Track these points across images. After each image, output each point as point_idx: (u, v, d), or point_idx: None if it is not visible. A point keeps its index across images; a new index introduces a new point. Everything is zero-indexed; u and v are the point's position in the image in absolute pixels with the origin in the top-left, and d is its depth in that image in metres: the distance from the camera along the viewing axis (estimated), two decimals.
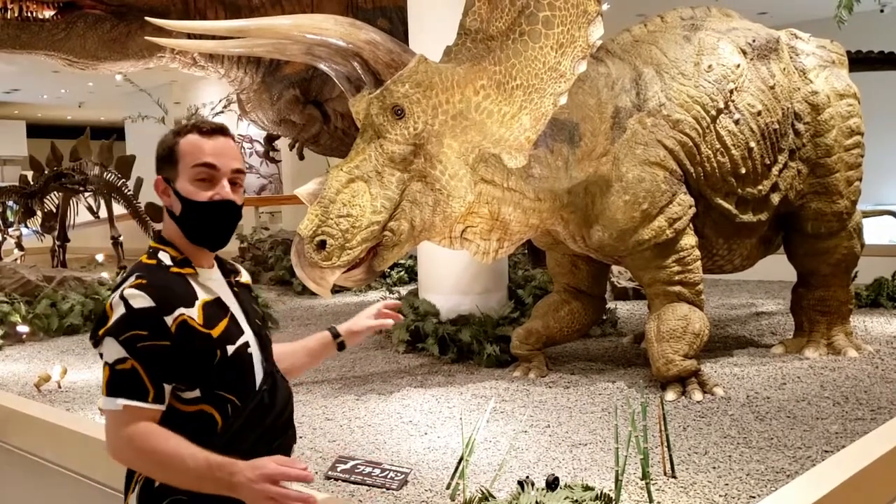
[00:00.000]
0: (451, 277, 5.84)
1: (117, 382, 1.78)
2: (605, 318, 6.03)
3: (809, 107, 4.84)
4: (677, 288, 4.42)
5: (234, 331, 1.90)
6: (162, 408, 1.80)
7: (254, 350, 1.93)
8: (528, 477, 2.87)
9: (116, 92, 18.82)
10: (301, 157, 10.22)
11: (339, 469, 3.31)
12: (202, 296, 1.89)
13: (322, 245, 3.68)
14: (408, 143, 3.80)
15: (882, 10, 8.80)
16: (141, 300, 1.79)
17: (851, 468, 3.05)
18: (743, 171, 4.56)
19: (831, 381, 4.44)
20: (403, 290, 7.11)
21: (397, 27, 7.99)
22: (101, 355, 1.83)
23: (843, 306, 5.18)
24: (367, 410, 4.27)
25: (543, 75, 3.84)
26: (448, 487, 3.12)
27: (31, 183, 11.51)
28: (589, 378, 4.73)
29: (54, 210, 11.65)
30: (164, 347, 1.78)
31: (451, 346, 5.33)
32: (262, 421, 1.87)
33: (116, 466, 1.87)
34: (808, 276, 5.20)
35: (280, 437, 1.92)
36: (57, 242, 11.69)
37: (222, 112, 12.91)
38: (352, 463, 3.35)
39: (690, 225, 4.45)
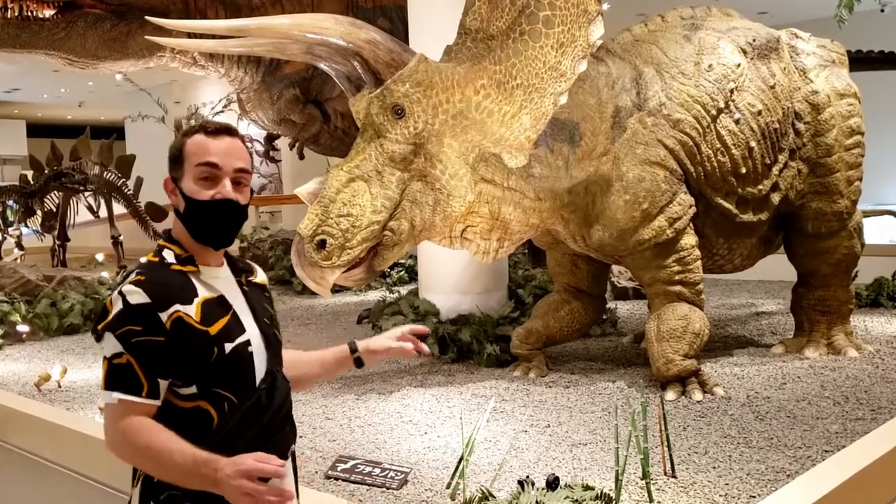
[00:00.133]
0: (451, 277, 5.84)
1: (113, 376, 1.81)
2: (605, 317, 6.03)
3: (810, 106, 4.84)
4: (677, 287, 4.42)
5: (233, 329, 1.91)
6: (156, 403, 1.82)
7: (255, 349, 1.94)
8: (528, 476, 2.87)
9: (116, 91, 18.82)
10: (301, 157, 10.21)
11: (339, 468, 3.31)
12: (203, 293, 1.90)
13: (322, 244, 3.68)
14: (408, 142, 3.80)
15: (882, 10, 8.79)
16: (137, 296, 1.81)
17: (852, 468, 3.05)
18: (743, 170, 4.56)
19: (831, 381, 4.44)
20: (403, 290, 7.11)
21: (397, 26, 7.98)
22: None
23: (844, 306, 5.18)
24: (368, 410, 4.27)
25: (544, 75, 3.84)
26: (448, 487, 3.12)
27: (32, 182, 11.52)
28: (589, 378, 4.73)
29: (54, 209, 11.66)
30: (158, 343, 1.80)
31: (452, 346, 5.33)
32: (258, 420, 1.88)
33: (116, 466, 1.87)
34: (809, 276, 5.20)
35: (276, 435, 1.92)
36: (57, 242, 11.70)
37: (222, 111, 12.91)
38: (352, 462, 3.35)
39: (691, 224, 4.45)
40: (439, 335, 5.39)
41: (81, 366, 5.69)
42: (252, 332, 1.95)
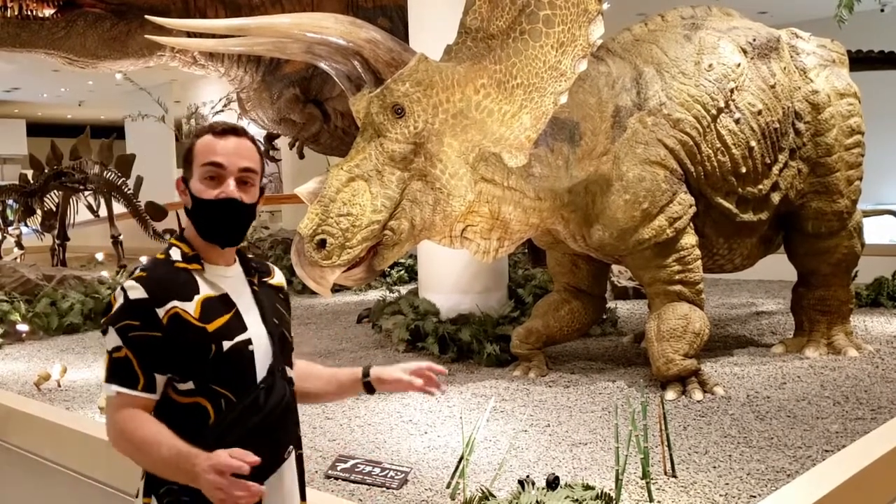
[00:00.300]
0: (451, 276, 5.83)
1: (113, 369, 1.86)
2: (605, 317, 6.03)
3: (810, 106, 4.84)
4: (678, 287, 4.41)
5: (233, 327, 1.92)
6: (152, 397, 1.86)
7: (257, 348, 1.94)
8: (528, 476, 2.87)
9: (116, 91, 18.81)
10: (301, 156, 10.21)
11: (339, 468, 3.31)
12: (204, 291, 1.93)
13: (322, 244, 3.67)
14: (408, 141, 3.80)
15: (882, 10, 8.79)
16: (136, 291, 1.86)
17: (852, 468, 3.05)
18: (743, 170, 4.56)
19: (831, 381, 4.44)
20: (403, 290, 7.11)
21: (398, 26, 7.98)
22: None
23: (844, 306, 5.18)
24: (367, 409, 4.27)
25: (544, 74, 3.83)
26: (448, 486, 3.12)
27: (31, 182, 11.52)
28: (589, 377, 4.73)
29: (54, 209, 11.65)
30: (154, 338, 1.84)
31: (451, 346, 5.33)
32: (253, 418, 1.88)
33: (116, 466, 1.88)
34: (809, 276, 5.20)
35: (270, 435, 1.92)
36: (57, 241, 11.70)
37: (222, 111, 12.91)
38: (352, 462, 3.35)
39: (691, 224, 4.44)
40: (439, 334, 5.38)
41: (81, 365, 5.69)
42: (255, 332, 1.96)
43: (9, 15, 7.39)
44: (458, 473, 3.09)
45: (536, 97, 3.85)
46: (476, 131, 3.88)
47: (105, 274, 8.67)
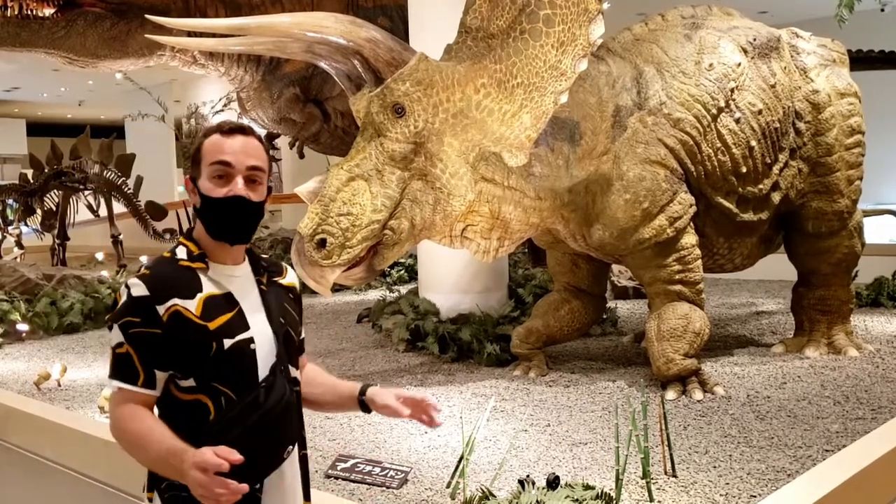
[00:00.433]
0: (451, 276, 5.83)
1: (115, 365, 1.89)
2: (605, 317, 6.03)
3: (810, 105, 4.84)
4: (678, 287, 4.41)
5: (235, 325, 1.93)
6: (152, 393, 1.88)
7: (260, 347, 1.95)
8: (528, 476, 2.87)
9: (116, 90, 18.81)
10: (301, 156, 10.21)
11: (339, 468, 3.31)
12: (208, 289, 1.94)
13: (322, 243, 3.67)
14: (408, 141, 3.80)
15: (883, 10, 8.79)
16: (138, 289, 1.88)
17: (852, 468, 3.05)
18: (744, 169, 4.56)
19: (832, 381, 4.44)
20: (403, 289, 7.10)
21: (398, 25, 7.98)
22: None
23: (844, 305, 5.17)
24: None
25: (544, 73, 3.83)
26: (448, 486, 3.12)
27: (31, 181, 11.52)
28: (589, 377, 4.73)
29: (54, 208, 11.66)
30: (154, 335, 1.86)
31: (452, 345, 5.33)
32: (252, 416, 1.89)
33: (116, 465, 1.89)
34: (809, 276, 5.19)
35: (268, 434, 1.92)
36: (57, 241, 11.70)
37: (222, 110, 12.91)
38: (352, 462, 3.35)
39: (691, 224, 4.44)
40: (439, 334, 5.38)
41: (81, 365, 5.69)
42: (258, 331, 1.96)
43: (9, 14, 7.39)
44: (458, 473, 3.09)
45: (537, 96, 3.85)
46: (476, 131, 3.88)
47: (105, 273, 8.67)
